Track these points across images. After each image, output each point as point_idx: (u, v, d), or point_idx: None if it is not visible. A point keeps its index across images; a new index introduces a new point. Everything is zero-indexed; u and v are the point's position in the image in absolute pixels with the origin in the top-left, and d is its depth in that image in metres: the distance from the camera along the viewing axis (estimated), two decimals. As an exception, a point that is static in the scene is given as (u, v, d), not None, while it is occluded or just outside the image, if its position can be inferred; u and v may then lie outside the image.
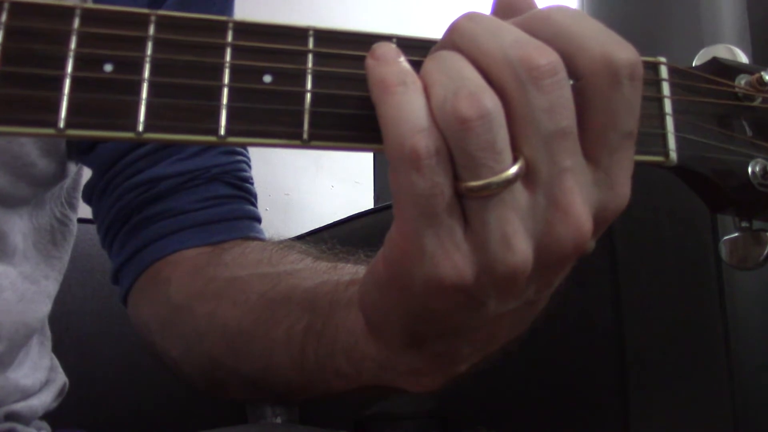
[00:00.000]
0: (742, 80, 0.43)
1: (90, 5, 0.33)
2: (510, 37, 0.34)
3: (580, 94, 0.35)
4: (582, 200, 0.35)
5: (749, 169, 0.42)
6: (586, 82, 0.35)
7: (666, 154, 0.39)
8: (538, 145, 0.34)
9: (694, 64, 0.45)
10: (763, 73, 0.43)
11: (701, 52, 0.45)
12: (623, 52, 0.35)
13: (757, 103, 0.43)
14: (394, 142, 0.33)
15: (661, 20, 1.35)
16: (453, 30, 0.36)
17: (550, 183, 0.34)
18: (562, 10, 0.36)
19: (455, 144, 0.33)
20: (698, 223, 0.83)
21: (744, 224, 0.44)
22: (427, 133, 0.33)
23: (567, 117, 0.34)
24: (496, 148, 0.33)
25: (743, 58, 0.45)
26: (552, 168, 0.34)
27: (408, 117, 0.33)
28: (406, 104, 0.33)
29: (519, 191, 0.34)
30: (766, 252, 0.44)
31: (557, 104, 0.33)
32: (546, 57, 0.33)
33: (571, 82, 0.35)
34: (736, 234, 0.45)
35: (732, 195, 0.42)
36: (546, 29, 0.35)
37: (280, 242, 0.61)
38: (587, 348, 0.89)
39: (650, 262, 0.87)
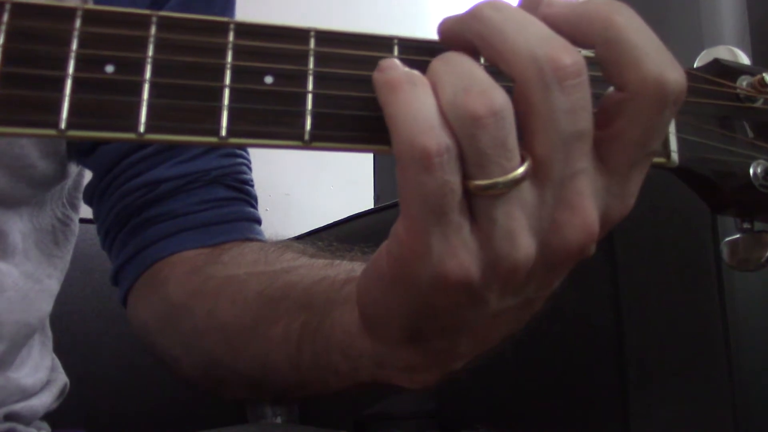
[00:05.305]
0: (743, 81, 0.43)
1: (91, 6, 0.33)
2: (536, 32, 0.33)
3: (619, 106, 0.34)
4: (592, 203, 0.35)
5: (750, 171, 0.42)
6: (631, 97, 0.34)
7: (667, 155, 0.39)
8: (554, 145, 0.33)
9: (695, 66, 0.44)
10: (764, 74, 0.43)
11: (703, 53, 0.45)
12: (676, 75, 0.34)
13: (758, 104, 0.43)
14: (404, 140, 0.33)
15: (661, 20, 1.35)
16: (478, 19, 0.34)
17: (561, 183, 0.34)
18: (620, 11, 0.35)
19: (467, 141, 0.32)
20: (698, 223, 0.83)
21: (745, 225, 0.44)
22: (437, 131, 0.32)
23: (585, 119, 0.33)
24: (508, 145, 0.33)
25: (745, 59, 0.45)
26: (565, 169, 0.34)
27: (417, 115, 0.33)
28: (415, 102, 0.33)
29: (527, 189, 0.34)
30: (767, 253, 0.44)
31: (578, 106, 0.33)
32: (572, 57, 0.33)
33: (611, 88, 0.35)
34: (738, 235, 0.45)
35: (733, 196, 0.42)
36: (598, 32, 0.34)
37: (278, 242, 0.61)
38: (587, 348, 0.89)
39: (650, 262, 0.87)
